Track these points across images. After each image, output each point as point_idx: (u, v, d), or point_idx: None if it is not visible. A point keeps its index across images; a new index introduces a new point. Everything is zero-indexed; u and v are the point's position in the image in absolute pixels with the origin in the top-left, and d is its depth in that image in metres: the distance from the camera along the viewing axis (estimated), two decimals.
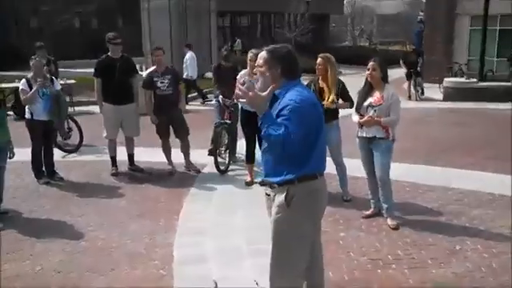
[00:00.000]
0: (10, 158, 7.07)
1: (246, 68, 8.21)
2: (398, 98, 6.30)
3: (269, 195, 7.06)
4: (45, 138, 8.27)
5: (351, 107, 6.70)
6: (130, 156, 8.93)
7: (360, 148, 6.49)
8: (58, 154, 9.00)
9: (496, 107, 15.63)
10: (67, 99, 10.47)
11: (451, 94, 17.65)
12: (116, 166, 8.78)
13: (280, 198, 3.79)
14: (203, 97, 17.79)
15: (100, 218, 6.80)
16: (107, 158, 8.97)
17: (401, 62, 18.75)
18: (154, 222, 6.62)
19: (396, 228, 6.22)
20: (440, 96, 18.32)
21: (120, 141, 8.92)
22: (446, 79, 18.55)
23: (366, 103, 6.24)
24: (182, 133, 8.74)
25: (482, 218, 6.53)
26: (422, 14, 28.94)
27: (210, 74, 20.49)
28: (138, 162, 8.99)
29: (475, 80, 18.06)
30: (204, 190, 7.95)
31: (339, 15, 49.83)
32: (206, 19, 23.87)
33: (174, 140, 8.89)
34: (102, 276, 5.22)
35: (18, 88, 11.67)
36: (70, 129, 10.17)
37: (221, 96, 8.82)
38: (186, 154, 8.87)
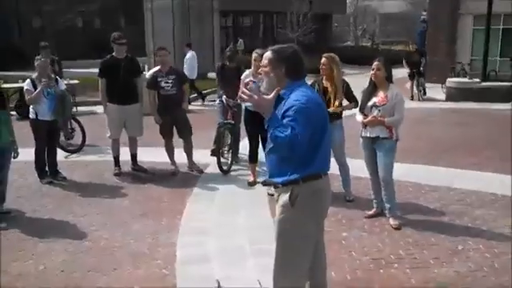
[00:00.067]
0: (15, 157, 7.10)
1: (249, 68, 8.23)
2: (402, 97, 6.31)
3: (272, 195, 7.11)
4: (49, 137, 8.29)
5: (356, 107, 6.71)
6: (133, 156, 8.94)
7: (363, 148, 6.50)
8: (60, 154, 9.01)
9: (499, 107, 15.62)
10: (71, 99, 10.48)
11: (454, 94, 17.65)
12: (119, 166, 8.80)
13: (284, 197, 3.78)
14: (202, 97, 17.81)
15: (103, 218, 6.82)
16: (110, 158, 9.00)
17: (404, 61, 18.75)
18: (156, 222, 6.63)
19: (398, 228, 6.23)
20: (443, 96, 18.33)
21: (123, 141, 8.93)
22: (448, 79, 18.55)
23: (370, 103, 6.25)
24: (186, 133, 8.76)
25: (484, 218, 6.54)
26: (424, 13, 28.95)
27: (212, 75, 20.60)
28: (141, 162, 9.00)
29: (478, 80, 18.05)
30: (207, 189, 7.96)
31: (342, 15, 49.82)
32: (208, 19, 23.89)
33: (176, 140, 8.91)
34: (105, 276, 5.24)
35: (21, 88, 11.76)
36: (72, 129, 10.19)
37: (224, 96, 8.82)
38: (189, 154, 8.89)
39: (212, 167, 8.88)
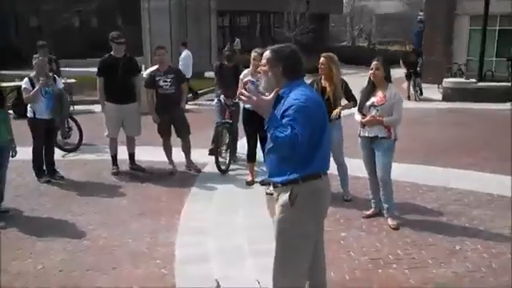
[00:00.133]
0: (13, 156, 7.10)
1: (247, 67, 8.24)
2: (400, 97, 6.34)
3: (270, 194, 7.13)
4: (46, 136, 8.28)
5: (355, 106, 6.73)
6: (131, 155, 8.94)
7: (362, 147, 6.52)
8: (57, 153, 8.99)
9: (495, 107, 15.68)
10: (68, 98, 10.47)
11: (450, 95, 17.69)
12: (117, 165, 8.79)
13: (284, 197, 3.79)
14: (195, 96, 17.83)
15: (101, 217, 6.82)
16: (108, 157, 9.00)
17: (401, 62, 18.78)
18: (155, 221, 6.64)
19: (396, 228, 6.25)
20: (439, 96, 18.36)
21: (121, 140, 8.93)
22: (445, 79, 18.59)
23: (368, 103, 6.28)
24: (184, 132, 8.76)
25: (481, 219, 6.56)
26: (421, 13, 28.95)
27: (209, 74, 20.61)
28: (138, 161, 9.00)
29: (474, 80, 18.11)
30: (205, 189, 7.97)
31: (338, 15, 49.83)
32: (205, 19, 23.85)
33: (174, 139, 8.91)
34: (105, 275, 5.24)
35: (18, 87, 11.73)
36: (69, 128, 10.19)
37: (222, 96, 8.83)
38: (187, 154, 8.89)
39: (210, 166, 8.89)
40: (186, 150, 8.87)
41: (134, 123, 8.71)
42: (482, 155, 9.72)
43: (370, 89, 6.36)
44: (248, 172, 8.31)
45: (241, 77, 8.04)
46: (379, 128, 6.24)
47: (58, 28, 28.50)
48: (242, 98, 3.56)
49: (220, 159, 8.70)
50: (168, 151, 8.85)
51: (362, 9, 51.16)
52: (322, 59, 7.04)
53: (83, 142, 10.29)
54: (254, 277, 5.05)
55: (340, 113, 6.98)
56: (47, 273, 5.29)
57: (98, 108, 8.87)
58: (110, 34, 8.62)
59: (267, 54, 3.82)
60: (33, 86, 8.03)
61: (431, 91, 19.08)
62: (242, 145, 9.00)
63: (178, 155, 8.89)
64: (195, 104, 17.30)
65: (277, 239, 3.87)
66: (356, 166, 7.29)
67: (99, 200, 7.53)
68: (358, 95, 6.66)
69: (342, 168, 7.27)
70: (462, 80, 18.55)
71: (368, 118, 6.25)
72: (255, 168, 8.31)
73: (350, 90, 7.16)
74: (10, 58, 23.05)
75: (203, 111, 15.01)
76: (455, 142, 11.12)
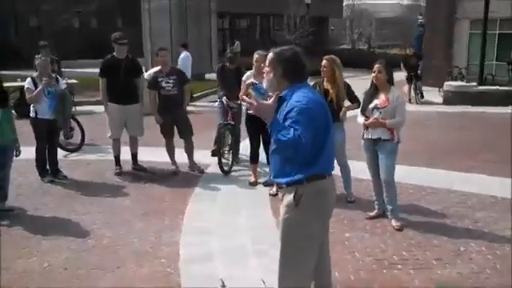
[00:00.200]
0: (17, 155, 7.11)
1: (248, 69, 8.26)
2: (403, 100, 6.37)
3: (273, 195, 7.16)
4: (49, 136, 8.29)
5: (358, 107, 6.74)
6: (134, 155, 8.94)
7: (365, 150, 6.54)
8: (60, 153, 8.96)
9: (496, 111, 15.72)
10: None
11: (451, 98, 17.74)
12: (120, 166, 8.80)
13: (289, 197, 3.80)
14: (190, 99, 17.76)
15: (105, 217, 6.83)
16: (110, 157, 9.01)
17: (401, 65, 18.80)
18: (159, 221, 6.64)
19: (400, 229, 6.26)
20: (440, 99, 18.42)
21: (124, 140, 8.94)
22: (445, 83, 18.64)
23: (371, 105, 6.30)
24: (186, 133, 8.76)
25: (485, 221, 6.58)
26: (420, 17, 29.05)
27: (209, 76, 20.61)
28: (141, 162, 9.00)
29: (475, 84, 18.15)
30: (208, 190, 7.97)
31: (338, 18, 49.92)
32: (206, 20, 23.87)
33: (177, 140, 8.91)
34: (109, 274, 5.25)
35: (20, 87, 11.72)
36: (71, 128, 10.19)
37: (224, 97, 8.84)
38: (190, 155, 8.89)
39: (213, 167, 8.90)
40: (189, 151, 8.87)
41: (137, 123, 8.71)
42: (482, 158, 9.73)
43: (373, 91, 6.39)
44: (251, 173, 8.32)
45: (243, 79, 8.06)
46: (382, 130, 6.26)
47: (58, 29, 28.52)
48: (243, 104, 3.61)
49: (223, 160, 8.71)
50: (171, 152, 8.86)
51: (361, 12, 51.24)
52: (324, 62, 7.06)
53: (85, 142, 10.29)
54: (257, 276, 5.04)
55: (345, 114, 7.00)
56: (52, 271, 5.30)
57: (99, 109, 8.89)
58: (112, 35, 8.64)
59: (270, 55, 3.88)
60: (35, 86, 8.04)
61: (432, 94, 19.13)
62: (245, 146, 9.02)
63: (181, 156, 8.90)
64: (193, 105, 17.26)
65: (282, 239, 3.88)
66: (359, 169, 7.31)
67: (103, 200, 7.53)
68: (361, 98, 6.68)
69: (344, 170, 7.28)
70: (463, 83, 18.61)
71: (371, 120, 6.27)
72: (258, 169, 8.31)
73: (353, 92, 7.19)
74: (10, 58, 23.02)
75: (205, 113, 15.01)
76: (456, 144, 11.15)
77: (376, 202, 6.71)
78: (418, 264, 5.39)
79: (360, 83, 6.83)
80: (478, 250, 5.69)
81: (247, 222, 6.64)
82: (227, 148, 9.14)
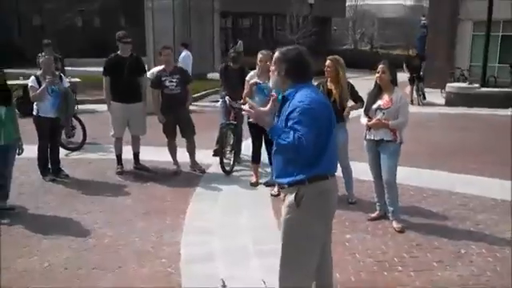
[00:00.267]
0: (19, 154, 7.12)
1: (252, 69, 8.26)
2: (406, 101, 6.38)
3: (275, 195, 7.16)
4: (51, 135, 8.30)
5: (362, 107, 6.74)
6: (136, 155, 8.95)
7: (367, 150, 6.54)
8: (61, 152, 8.97)
9: (498, 113, 15.71)
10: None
11: (453, 99, 17.74)
12: (121, 165, 8.80)
13: (290, 198, 3.82)
14: None
15: (106, 216, 6.83)
16: (112, 156, 9.01)
17: (404, 66, 18.80)
18: (160, 221, 6.64)
19: (401, 231, 6.26)
20: (442, 101, 18.41)
21: (126, 139, 8.94)
22: (448, 84, 18.64)
23: (374, 106, 6.30)
24: (189, 132, 8.76)
25: (486, 223, 6.57)
26: (423, 18, 29.04)
27: (212, 75, 20.59)
28: (143, 161, 9.01)
29: (477, 85, 18.14)
30: (209, 189, 7.97)
31: (341, 18, 49.92)
32: (209, 19, 23.89)
33: (179, 139, 8.91)
34: (110, 273, 5.25)
35: (23, 85, 11.72)
36: (73, 127, 10.19)
37: (227, 97, 8.84)
38: (192, 154, 8.89)
39: (214, 167, 8.90)
40: (191, 151, 8.87)
41: (140, 122, 8.71)
42: (484, 160, 9.72)
43: (377, 92, 6.38)
44: (252, 173, 8.32)
45: (247, 78, 8.06)
46: (385, 131, 6.25)
47: (61, 28, 28.51)
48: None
49: (224, 160, 8.70)
50: (173, 151, 8.86)
51: (364, 13, 51.22)
52: (328, 62, 7.07)
53: (87, 140, 10.29)
54: (259, 276, 5.05)
55: (348, 114, 7.00)
56: (53, 270, 5.30)
57: (101, 107, 8.89)
58: (116, 34, 8.65)
59: (276, 54, 3.92)
60: (39, 84, 8.04)
61: (434, 96, 19.11)
62: (246, 146, 9.02)
63: (183, 155, 8.90)
64: (196, 105, 17.25)
65: (283, 240, 3.89)
66: (361, 170, 7.31)
67: (104, 199, 7.53)
68: (364, 98, 6.69)
69: (346, 171, 7.27)
70: (465, 85, 18.59)
71: (374, 121, 6.27)
72: (259, 169, 8.31)
73: (357, 92, 7.20)
74: (13, 57, 23.02)
75: (208, 112, 15.01)
76: (458, 146, 11.14)
77: (377, 204, 6.71)
78: (418, 266, 5.39)
79: (363, 84, 6.84)
80: (479, 253, 5.69)
81: (248, 223, 6.64)
82: (229, 148, 9.12)
